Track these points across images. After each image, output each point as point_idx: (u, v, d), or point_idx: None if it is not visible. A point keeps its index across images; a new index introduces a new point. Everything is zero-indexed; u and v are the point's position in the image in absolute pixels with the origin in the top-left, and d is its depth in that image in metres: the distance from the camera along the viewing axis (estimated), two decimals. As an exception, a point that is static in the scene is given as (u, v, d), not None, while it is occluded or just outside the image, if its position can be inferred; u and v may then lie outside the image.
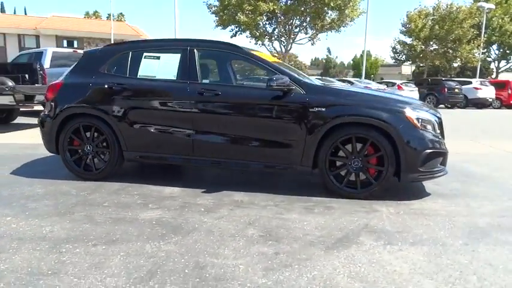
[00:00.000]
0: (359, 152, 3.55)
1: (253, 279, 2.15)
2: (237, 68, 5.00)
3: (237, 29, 25.90)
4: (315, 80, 4.17)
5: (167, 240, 2.66)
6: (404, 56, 35.44)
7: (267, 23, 27.36)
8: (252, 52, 3.93)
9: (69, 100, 4.06)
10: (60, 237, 2.68)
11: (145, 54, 4.08)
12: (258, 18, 23.54)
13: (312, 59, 67.43)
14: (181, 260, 2.37)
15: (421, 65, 36.24)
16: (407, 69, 47.90)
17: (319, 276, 2.18)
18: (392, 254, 2.48)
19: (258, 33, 25.14)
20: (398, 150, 3.43)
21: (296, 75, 3.75)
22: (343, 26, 27.05)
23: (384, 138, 3.46)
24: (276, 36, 27.59)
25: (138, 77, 4.01)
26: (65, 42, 50.27)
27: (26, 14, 53.63)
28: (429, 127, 3.59)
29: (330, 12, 26.17)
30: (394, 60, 38.07)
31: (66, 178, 4.12)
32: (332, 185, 3.62)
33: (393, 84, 21.57)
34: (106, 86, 3.97)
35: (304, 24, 27.34)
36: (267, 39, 27.99)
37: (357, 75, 46.32)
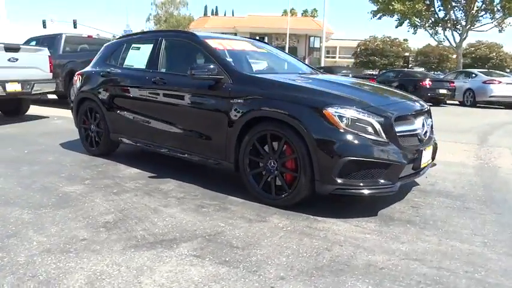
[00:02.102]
0: (274, 153, 3.05)
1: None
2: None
3: (401, 19, 23.67)
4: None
5: (38, 211, 2.92)
6: None
7: (441, 8, 24.10)
8: (205, 40, 3.76)
9: (82, 86, 4.77)
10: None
11: (132, 45, 4.44)
12: (418, 5, 20.86)
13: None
14: (2, 230, 2.59)
15: None
16: None
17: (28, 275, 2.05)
18: (159, 268, 2.12)
19: (417, 22, 22.36)
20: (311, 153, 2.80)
21: (230, 64, 3.44)
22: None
23: (298, 138, 2.86)
24: (451, 23, 23.99)
25: (122, 66, 4.41)
26: (256, 38, 55.95)
27: (233, 15, 61.85)
28: (369, 129, 2.78)
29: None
30: None
31: (85, 152, 4.88)
32: (249, 186, 3.22)
33: None
34: (100, 75, 4.51)
35: (490, 7, 22.86)
36: (440, 28, 24.71)
37: None
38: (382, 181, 2.80)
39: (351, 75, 14.42)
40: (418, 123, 3.10)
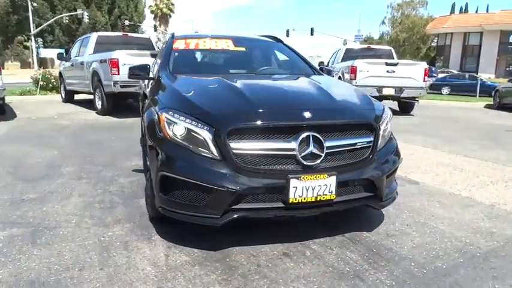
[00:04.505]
0: (150, 160, 2.81)
1: None
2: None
3: None
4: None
5: (10, 182, 3.66)
6: None
7: None
8: (174, 40, 3.72)
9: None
10: None
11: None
12: None
13: None
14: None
15: None
16: None
17: None
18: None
19: None
20: None
21: (165, 64, 3.34)
22: None
23: (151, 145, 2.58)
24: None
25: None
26: (510, 38, 46.71)
27: (487, 11, 53.04)
28: (200, 141, 2.22)
29: None
30: None
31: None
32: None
33: None
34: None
35: None
36: None
37: None
38: (205, 209, 2.19)
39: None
40: (295, 141, 2.20)
